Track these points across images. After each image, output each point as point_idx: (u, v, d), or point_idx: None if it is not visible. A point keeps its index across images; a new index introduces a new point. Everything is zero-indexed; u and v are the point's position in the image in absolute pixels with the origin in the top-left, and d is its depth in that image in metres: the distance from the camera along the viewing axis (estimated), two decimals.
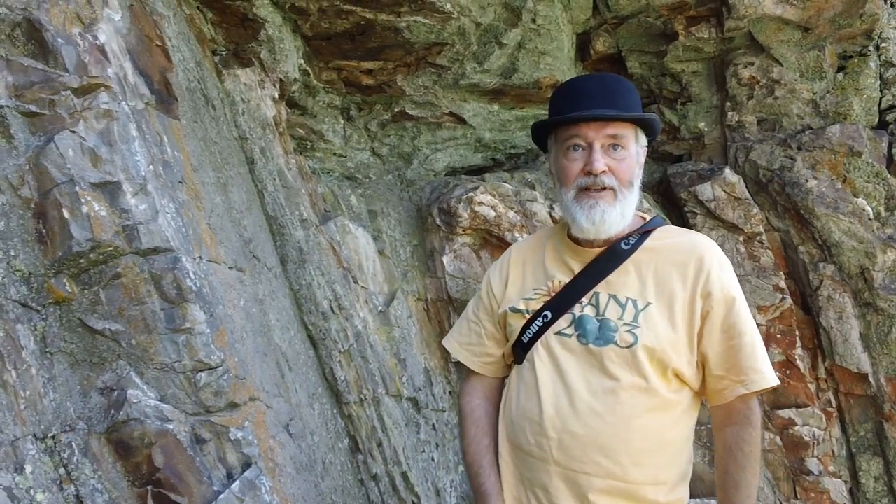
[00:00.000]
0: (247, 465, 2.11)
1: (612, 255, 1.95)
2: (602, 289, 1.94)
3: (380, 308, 3.52)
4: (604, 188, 1.88)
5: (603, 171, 1.87)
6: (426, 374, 3.62)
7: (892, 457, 4.00)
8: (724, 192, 4.19)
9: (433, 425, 3.58)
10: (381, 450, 3.22)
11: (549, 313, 1.96)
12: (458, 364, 2.22)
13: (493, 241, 3.79)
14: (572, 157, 1.91)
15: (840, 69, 4.31)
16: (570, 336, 1.93)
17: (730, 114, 4.37)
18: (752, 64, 4.27)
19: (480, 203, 3.77)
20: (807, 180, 4.10)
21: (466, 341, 2.16)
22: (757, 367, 1.88)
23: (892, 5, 4.31)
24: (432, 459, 3.49)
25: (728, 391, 1.90)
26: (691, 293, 1.89)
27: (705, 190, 4.21)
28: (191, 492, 2.00)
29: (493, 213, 3.76)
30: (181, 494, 1.99)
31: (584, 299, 1.94)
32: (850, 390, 4.09)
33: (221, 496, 2.00)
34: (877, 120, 4.35)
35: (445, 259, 3.79)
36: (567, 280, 1.98)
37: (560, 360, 1.92)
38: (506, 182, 4.02)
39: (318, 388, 3.05)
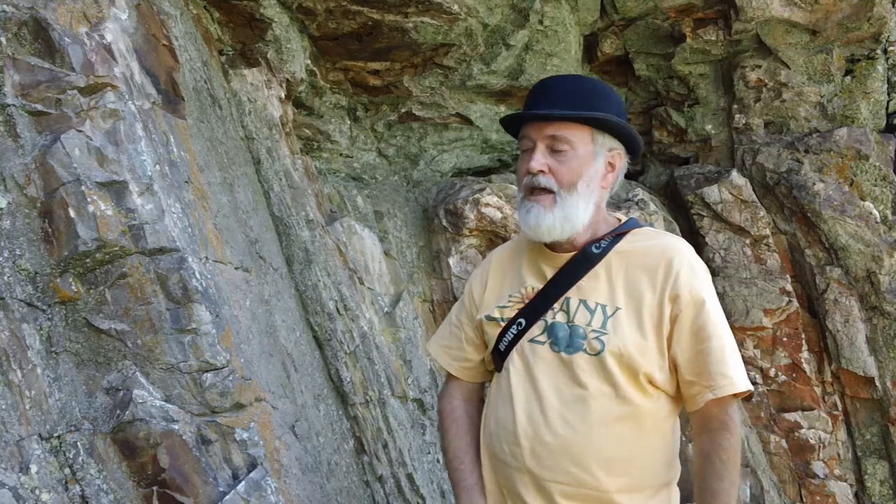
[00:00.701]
0: (252, 465, 2.10)
1: (583, 259, 1.92)
2: (573, 294, 1.90)
3: (385, 309, 3.52)
4: (542, 188, 1.85)
5: (541, 171, 1.84)
6: (432, 375, 3.61)
7: None
8: (731, 194, 4.18)
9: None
10: (387, 451, 3.21)
11: (523, 321, 1.93)
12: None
13: (500, 243, 3.76)
14: (523, 159, 1.90)
15: (848, 72, 4.30)
16: (542, 343, 1.90)
17: (737, 116, 4.36)
18: (760, 66, 4.26)
19: (487, 204, 3.76)
20: (814, 183, 4.09)
21: (447, 344, 2.14)
22: (726, 372, 1.82)
23: None
24: (438, 461, 3.48)
25: (700, 397, 1.84)
26: (660, 297, 1.85)
27: (712, 193, 4.20)
28: (196, 492, 2.00)
29: (499, 215, 3.76)
30: (187, 495, 1.98)
31: (556, 305, 1.91)
32: (856, 394, 4.08)
33: (227, 497, 2.00)
34: (884, 123, 4.34)
35: (451, 260, 3.79)
36: (540, 286, 1.95)
37: (533, 369, 1.90)
38: (512, 184, 4.01)
39: (324, 390, 3.05)
